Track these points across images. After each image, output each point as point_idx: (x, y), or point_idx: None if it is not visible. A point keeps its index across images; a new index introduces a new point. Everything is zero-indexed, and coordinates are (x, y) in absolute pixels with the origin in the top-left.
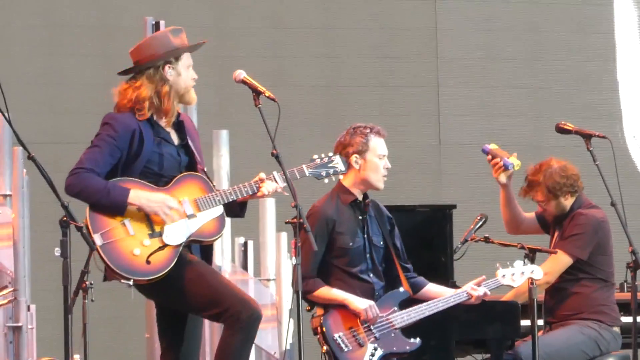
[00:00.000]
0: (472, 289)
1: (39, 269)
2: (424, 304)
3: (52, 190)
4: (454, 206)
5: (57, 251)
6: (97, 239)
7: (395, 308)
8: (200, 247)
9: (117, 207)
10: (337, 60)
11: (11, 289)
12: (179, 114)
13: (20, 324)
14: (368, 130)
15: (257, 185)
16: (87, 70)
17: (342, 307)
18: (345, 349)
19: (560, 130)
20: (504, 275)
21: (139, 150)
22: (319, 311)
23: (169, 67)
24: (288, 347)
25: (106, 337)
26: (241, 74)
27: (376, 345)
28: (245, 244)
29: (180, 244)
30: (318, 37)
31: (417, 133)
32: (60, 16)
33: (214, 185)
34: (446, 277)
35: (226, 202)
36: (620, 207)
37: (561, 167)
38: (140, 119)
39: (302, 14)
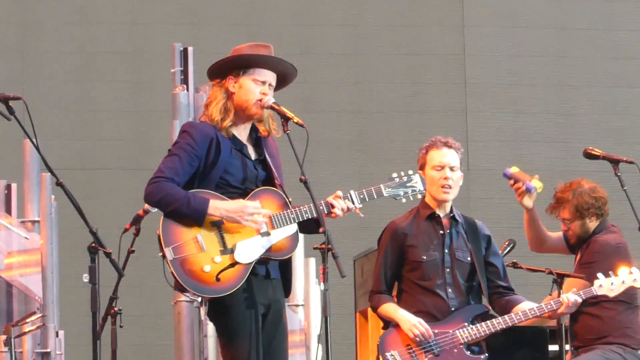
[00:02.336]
0: (569, 292)
1: (67, 295)
2: (497, 318)
3: (80, 216)
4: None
5: (86, 277)
6: (168, 253)
7: (466, 323)
8: (278, 264)
9: (195, 217)
10: (366, 86)
11: (40, 315)
12: (257, 130)
13: (49, 350)
14: (428, 144)
15: (331, 204)
16: (117, 96)
17: None
18: None
19: (588, 155)
20: (600, 285)
21: (215, 160)
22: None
23: (231, 79)
24: None
25: None
26: (270, 99)
27: None
28: None
29: (251, 262)
30: (347, 62)
31: None
32: (91, 44)
33: (290, 202)
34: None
35: (301, 220)
36: None
37: (591, 188)
38: (225, 135)
39: (332, 40)
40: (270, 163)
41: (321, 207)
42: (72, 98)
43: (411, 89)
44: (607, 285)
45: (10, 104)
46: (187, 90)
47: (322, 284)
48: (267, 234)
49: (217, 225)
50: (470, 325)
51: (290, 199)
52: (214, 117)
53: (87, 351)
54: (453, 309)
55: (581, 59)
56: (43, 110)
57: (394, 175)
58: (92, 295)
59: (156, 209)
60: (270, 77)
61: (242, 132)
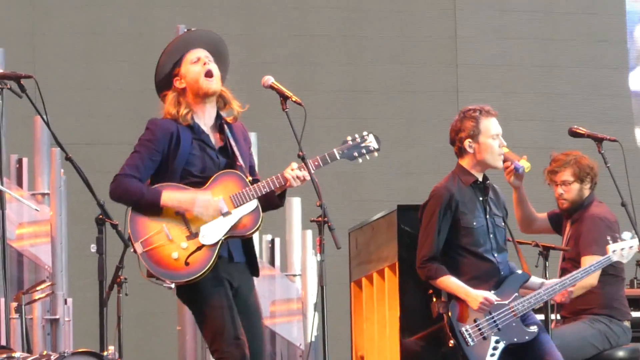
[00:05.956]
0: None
1: (75, 264)
2: (542, 289)
3: (88, 190)
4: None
5: (93, 247)
6: (138, 247)
7: (516, 294)
8: (242, 244)
9: (153, 208)
10: (360, 67)
11: (49, 283)
12: (220, 117)
13: (57, 317)
14: (477, 113)
15: (285, 178)
16: (123, 76)
17: None
18: (472, 343)
19: (574, 134)
20: (614, 251)
21: (175, 152)
22: (442, 298)
23: (176, 79)
24: (313, 340)
25: (139, 329)
26: (269, 79)
27: (498, 337)
28: (272, 241)
29: (216, 242)
30: (343, 45)
31: (437, 136)
32: (98, 26)
33: (250, 181)
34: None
35: (259, 195)
36: (631, 207)
37: (588, 159)
38: (184, 124)
39: (328, 23)
40: (235, 147)
41: (279, 180)
42: (80, 77)
43: (404, 69)
44: (619, 251)
45: (22, 82)
46: None
47: (318, 255)
48: (229, 213)
49: (181, 214)
50: (522, 297)
51: (250, 178)
52: (170, 111)
53: (94, 318)
54: (502, 272)
55: (567, 41)
56: (53, 88)
57: (348, 138)
58: (99, 264)
59: None
60: (200, 52)
61: (206, 121)
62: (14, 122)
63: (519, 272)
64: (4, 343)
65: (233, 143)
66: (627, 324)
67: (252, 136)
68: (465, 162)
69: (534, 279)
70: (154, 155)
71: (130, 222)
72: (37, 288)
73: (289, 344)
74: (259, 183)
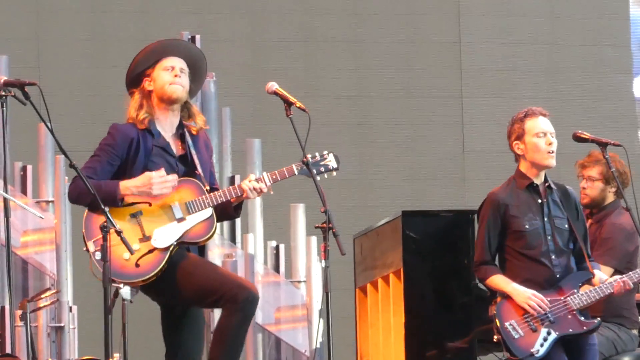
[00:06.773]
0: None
1: (80, 271)
2: (606, 282)
3: (92, 196)
4: (476, 211)
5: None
6: (91, 246)
7: (575, 290)
8: (197, 249)
9: (110, 201)
10: (365, 71)
11: (54, 291)
12: (182, 125)
13: (62, 324)
14: (522, 115)
15: (242, 189)
16: None
17: None
18: (517, 336)
19: (578, 138)
20: None
21: (134, 159)
22: (499, 298)
23: (146, 80)
24: (318, 346)
25: (144, 336)
26: (273, 85)
27: (550, 329)
28: (277, 247)
29: (168, 247)
30: (347, 49)
31: (442, 141)
32: (103, 31)
33: (207, 190)
34: (468, 279)
35: (215, 204)
36: (635, 211)
37: (623, 165)
38: (140, 127)
39: (333, 28)
40: (195, 156)
41: (235, 191)
42: (84, 83)
43: (409, 74)
44: None
45: (26, 89)
46: None
47: (323, 261)
48: (183, 219)
49: (136, 216)
50: (580, 292)
51: (207, 187)
52: (130, 115)
53: (99, 325)
54: (558, 275)
55: (571, 46)
56: (57, 95)
57: (309, 155)
58: (103, 271)
59: None
60: (177, 62)
61: (167, 128)
62: (18, 130)
63: (582, 271)
64: (9, 351)
65: (194, 152)
66: (635, 332)
67: (256, 142)
68: (522, 166)
69: (601, 276)
70: (113, 160)
71: (85, 221)
72: (42, 296)
73: (294, 351)
74: (216, 192)
